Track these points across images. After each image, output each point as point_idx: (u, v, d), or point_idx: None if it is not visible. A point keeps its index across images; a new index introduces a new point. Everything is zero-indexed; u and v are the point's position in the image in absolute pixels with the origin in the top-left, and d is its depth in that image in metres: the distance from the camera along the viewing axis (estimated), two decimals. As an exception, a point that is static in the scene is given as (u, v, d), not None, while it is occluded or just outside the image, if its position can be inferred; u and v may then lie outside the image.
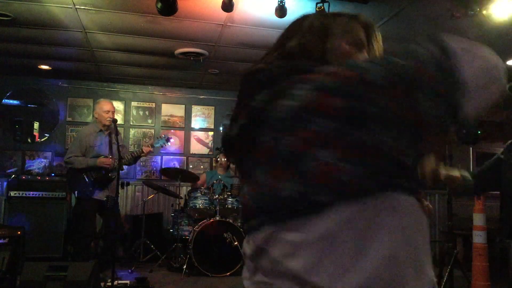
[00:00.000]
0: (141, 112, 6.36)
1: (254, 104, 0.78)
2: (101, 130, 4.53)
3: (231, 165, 5.46)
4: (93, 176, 4.39)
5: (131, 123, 6.30)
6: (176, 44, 4.56)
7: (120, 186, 4.35)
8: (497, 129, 6.48)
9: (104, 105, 4.55)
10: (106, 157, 4.44)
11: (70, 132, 6.06)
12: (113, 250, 3.95)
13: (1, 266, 3.43)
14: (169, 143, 5.18)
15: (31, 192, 5.03)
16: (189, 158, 6.41)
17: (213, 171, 5.81)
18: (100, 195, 4.40)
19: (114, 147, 4.32)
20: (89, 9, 3.73)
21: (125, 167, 4.89)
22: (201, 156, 6.44)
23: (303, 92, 0.73)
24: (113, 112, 4.58)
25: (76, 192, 4.44)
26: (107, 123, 4.46)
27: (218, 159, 5.63)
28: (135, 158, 4.71)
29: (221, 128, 6.42)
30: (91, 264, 3.30)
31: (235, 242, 4.55)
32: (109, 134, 4.51)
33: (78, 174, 4.39)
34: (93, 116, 4.93)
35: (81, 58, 5.11)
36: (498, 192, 2.61)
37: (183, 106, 6.49)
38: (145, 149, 4.71)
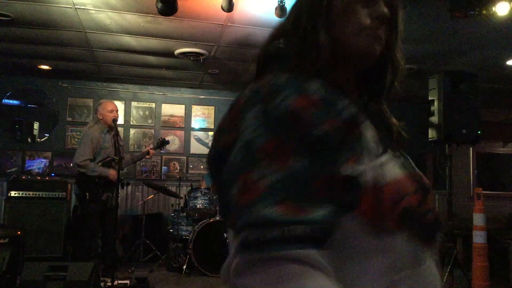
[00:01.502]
0: (141, 112, 6.36)
1: None
2: (107, 131, 4.53)
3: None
4: (103, 180, 4.39)
5: (131, 123, 6.30)
6: (176, 44, 4.56)
7: (120, 186, 4.36)
8: (497, 129, 6.48)
9: (107, 105, 4.54)
10: (114, 168, 4.43)
11: (70, 132, 6.05)
12: (114, 250, 3.94)
13: (1, 266, 3.43)
14: (165, 146, 5.23)
15: (31, 192, 5.03)
16: (189, 158, 6.41)
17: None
18: (105, 196, 4.41)
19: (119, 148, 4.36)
20: (89, 9, 3.73)
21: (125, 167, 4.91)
22: (201, 156, 6.43)
23: None
24: (117, 111, 4.58)
25: (87, 194, 4.43)
26: (112, 123, 4.47)
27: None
28: (138, 159, 4.75)
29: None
30: (91, 264, 3.30)
31: (235, 242, 4.55)
32: (113, 135, 4.52)
33: (89, 177, 4.39)
34: (94, 117, 4.93)
35: (81, 58, 5.11)
36: (498, 192, 2.61)
37: (183, 106, 6.49)
38: (151, 151, 4.84)
